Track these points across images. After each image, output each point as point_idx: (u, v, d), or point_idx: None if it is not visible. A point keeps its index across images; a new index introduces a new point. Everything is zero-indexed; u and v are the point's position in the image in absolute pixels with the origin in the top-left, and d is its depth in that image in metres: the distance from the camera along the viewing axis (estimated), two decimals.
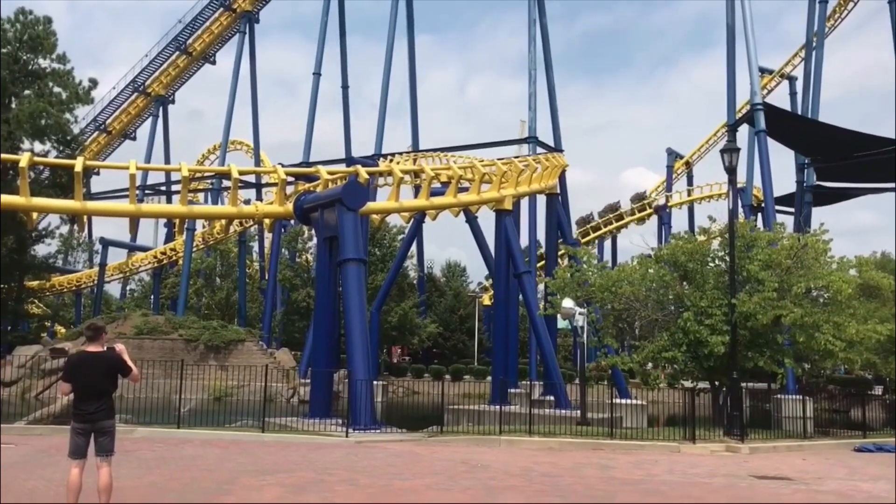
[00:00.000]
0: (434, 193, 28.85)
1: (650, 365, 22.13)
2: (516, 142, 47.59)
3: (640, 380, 23.44)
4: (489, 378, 39.56)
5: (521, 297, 31.70)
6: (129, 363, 8.03)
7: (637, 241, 45.15)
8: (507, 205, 29.40)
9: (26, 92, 44.14)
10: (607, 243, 68.49)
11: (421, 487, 10.72)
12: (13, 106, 43.64)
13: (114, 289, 75.50)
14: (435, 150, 46.84)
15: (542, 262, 45.45)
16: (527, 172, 31.70)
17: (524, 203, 39.42)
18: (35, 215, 31.65)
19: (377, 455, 14.32)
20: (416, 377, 46.24)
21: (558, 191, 37.99)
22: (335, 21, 56.97)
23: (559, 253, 38.94)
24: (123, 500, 8.65)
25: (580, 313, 21.63)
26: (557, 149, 44.40)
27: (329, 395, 22.62)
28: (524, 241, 38.61)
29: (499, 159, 32.37)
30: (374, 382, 23.01)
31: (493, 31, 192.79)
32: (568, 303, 21.54)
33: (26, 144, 43.41)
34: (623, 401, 24.98)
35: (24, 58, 44.44)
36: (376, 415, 20.25)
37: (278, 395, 35.71)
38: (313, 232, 42.80)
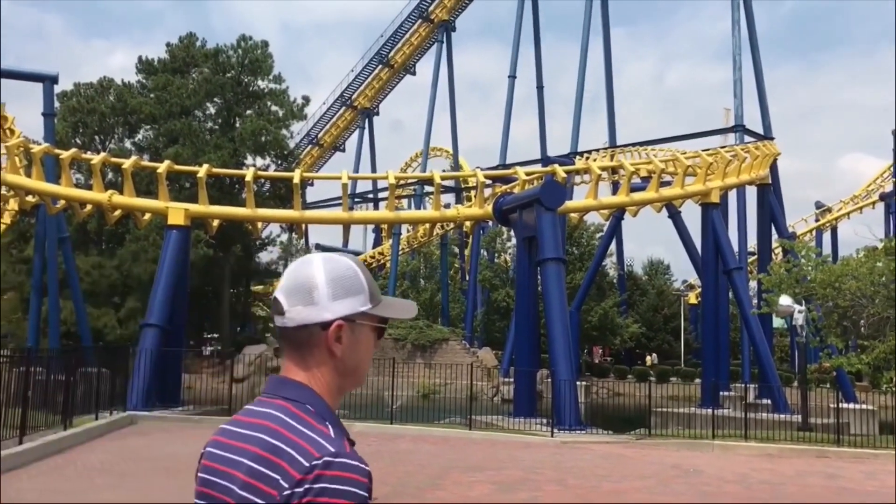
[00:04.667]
0: (634, 189, 28.16)
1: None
2: (721, 131, 45.36)
3: (868, 383, 21.52)
4: (697, 380, 37.99)
5: (731, 294, 30.16)
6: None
7: (862, 231, 41.47)
8: (714, 198, 28.08)
9: (248, 112, 48.20)
10: (826, 235, 63.60)
11: (631, 490, 10.48)
12: (237, 125, 47.84)
13: None
14: (633, 144, 45.59)
15: (753, 258, 42.93)
16: (734, 163, 30.12)
17: (731, 196, 37.49)
18: (259, 225, 34.52)
19: (584, 456, 14.18)
20: (618, 378, 45.27)
21: (770, 181, 35.72)
22: (529, 23, 57.17)
23: (772, 247, 36.66)
24: None
25: (799, 311, 20.17)
26: (767, 136, 41.73)
27: (533, 395, 22.72)
28: (733, 235, 36.68)
29: (703, 150, 31.02)
30: (577, 383, 22.77)
31: (692, 18, 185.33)
32: (786, 300, 20.14)
33: (249, 160, 47.45)
34: (849, 405, 23.10)
35: (246, 80, 48.53)
36: (581, 415, 20.06)
37: (482, 394, 36.36)
38: (512, 233, 43.24)
